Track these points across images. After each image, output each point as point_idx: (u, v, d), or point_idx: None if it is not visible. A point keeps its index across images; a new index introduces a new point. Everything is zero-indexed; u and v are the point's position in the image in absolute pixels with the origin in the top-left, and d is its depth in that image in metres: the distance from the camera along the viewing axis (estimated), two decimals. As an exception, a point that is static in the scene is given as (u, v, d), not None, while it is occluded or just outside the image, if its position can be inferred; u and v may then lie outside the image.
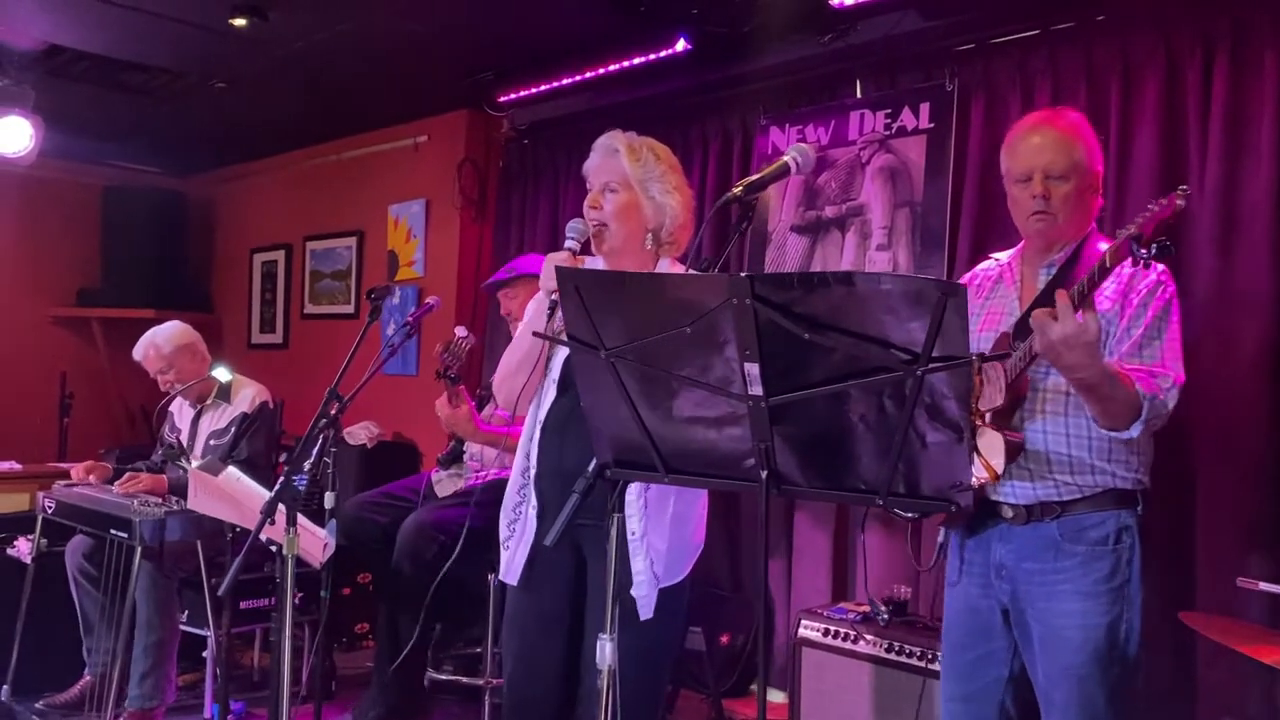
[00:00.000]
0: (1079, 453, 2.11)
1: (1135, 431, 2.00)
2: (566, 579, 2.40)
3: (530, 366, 2.36)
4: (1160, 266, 2.09)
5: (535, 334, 2.09)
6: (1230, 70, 3.12)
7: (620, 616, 2.23)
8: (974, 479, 1.99)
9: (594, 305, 1.51)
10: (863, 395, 1.41)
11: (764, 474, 1.50)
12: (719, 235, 3.92)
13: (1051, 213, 2.17)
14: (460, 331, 3.44)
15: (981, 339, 2.26)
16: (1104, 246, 2.20)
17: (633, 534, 2.26)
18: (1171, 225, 1.83)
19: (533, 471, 2.40)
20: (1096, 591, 2.10)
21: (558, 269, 1.58)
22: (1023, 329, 2.13)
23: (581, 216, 2.40)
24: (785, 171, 1.93)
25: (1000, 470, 2.00)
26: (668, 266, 2.42)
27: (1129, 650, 2.11)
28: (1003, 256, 2.40)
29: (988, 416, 2.05)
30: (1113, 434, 2.03)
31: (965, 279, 2.50)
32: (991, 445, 2.01)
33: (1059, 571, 2.12)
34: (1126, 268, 1.94)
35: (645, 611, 2.27)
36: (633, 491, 2.26)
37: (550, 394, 2.39)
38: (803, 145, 1.97)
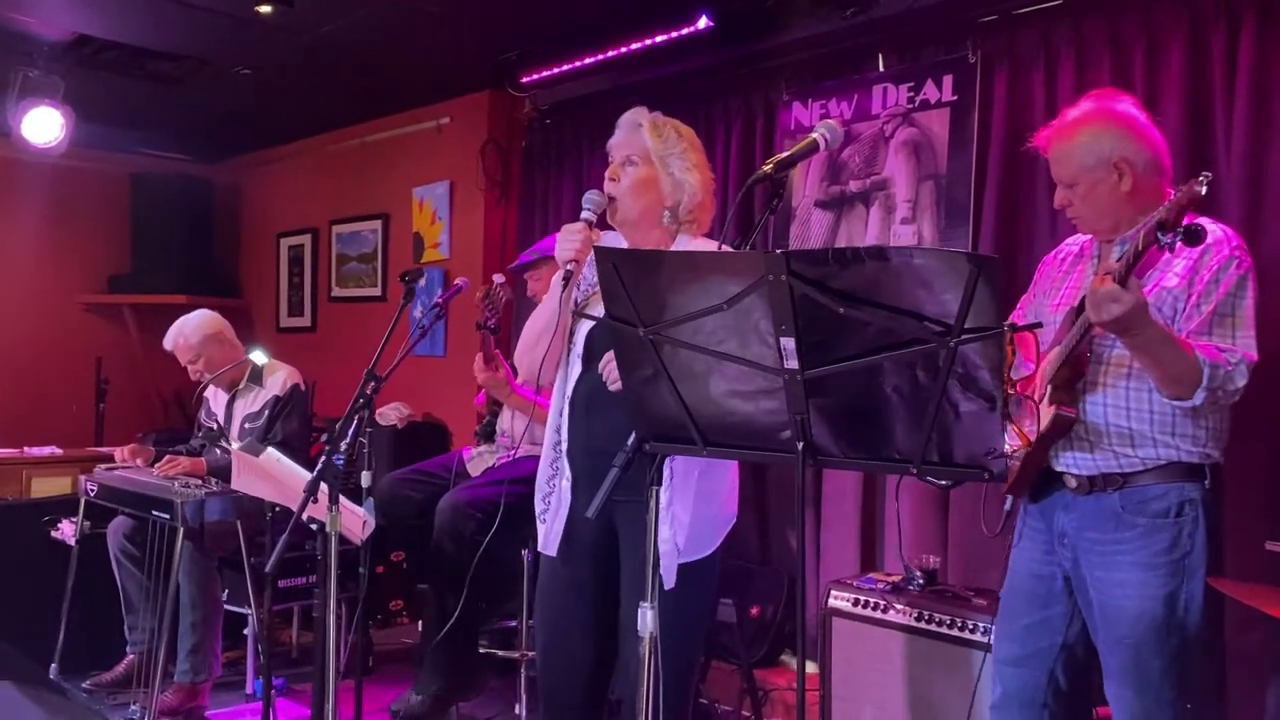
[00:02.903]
0: (1138, 425, 2.14)
1: (1199, 399, 2.01)
2: (599, 551, 2.45)
3: (549, 339, 2.40)
4: (1235, 242, 2.15)
5: (576, 313, 2.15)
6: (1256, 37, 3.10)
7: (643, 590, 2.32)
8: (1008, 446, 2.02)
9: (632, 283, 1.55)
10: (896, 367, 1.45)
11: (800, 445, 1.54)
12: (743, 214, 3.94)
13: (1076, 215, 2.30)
14: (498, 278, 3.51)
15: (1058, 314, 2.30)
16: None
17: (661, 505, 2.30)
18: (1192, 209, 1.85)
19: (564, 446, 2.45)
20: (1155, 564, 2.13)
21: (596, 249, 1.62)
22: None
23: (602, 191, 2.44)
24: (814, 148, 1.96)
25: (1033, 439, 2.04)
26: (687, 243, 2.44)
27: (1188, 622, 2.13)
28: (1084, 236, 2.44)
29: (1049, 390, 2.07)
30: (1177, 403, 2.06)
31: (1051, 255, 2.54)
32: (1026, 413, 2.05)
33: (1119, 542, 2.16)
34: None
35: (668, 581, 2.31)
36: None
37: (576, 369, 2.43)
38: (830, 121, 2.00)
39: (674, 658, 2.38)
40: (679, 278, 1.52)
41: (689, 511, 2.33)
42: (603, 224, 2.46)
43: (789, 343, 1.46)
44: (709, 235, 2.53)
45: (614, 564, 2.45)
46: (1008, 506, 2.36)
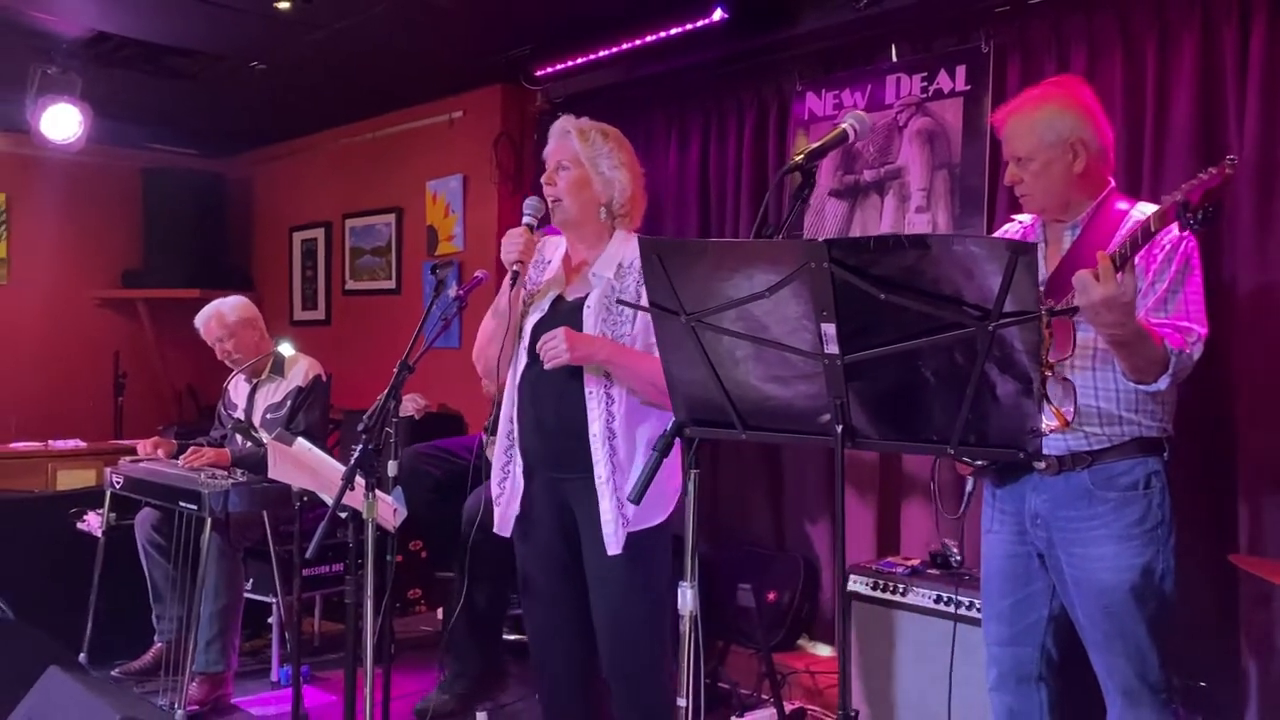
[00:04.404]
0: (1106, 405, 2.21)
1: (1163, 384, 2.11)
2: (559, 528, 2.61)
3: (501, 335, 2.58)
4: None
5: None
6: (1268, 27, 3.14)
7: (600, 561, 2.48)
8: (1045, 426, 2.08)
9: (675, 272, 1.60)
10: (934, 351, 1.50)
11: (839, 428, 1.60)
12: (753, 204, 3.98)
13: (1025, 192, 2.33)
14: None
15: None
16: (1124, 205, 2.29)
17: (599, 478, 2.47)
18: (1219, 193, 1.87)
19: (516, 433, 2.61)
20: (1129, 535, 2.21)
21: (640, 240, 1.68)
22: (1054, 287, 2.22)
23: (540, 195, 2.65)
24: (844, 138, 2.01)
25: (1070, 417, 2.10)
26: (622, 239, 2.61)
27: (1164, 587, 2.22)
28: (1025, 218, 2.49)
29: (1056, 368, 2.14)
30: (1140, 387, 2.14)
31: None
32: (1065, 394, 2.10)
33: (1094, 518, 2.23)
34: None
35: (613, 548, 2.48)
36: (597, 440, 2.47)
37: (523, 360, 2.59)
38: (859, 112, 2.05)
39: (635, 625, 2.54)
40: (722, 266, 1.57)
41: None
42: (544, 226, 2.67)
43: (829, 328, 1.52)
44: (640, 230, 2.69)
45: (576, 538, 2.60)
46: (969, 488, 2.43)
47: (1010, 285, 1.37)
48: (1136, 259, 2.11)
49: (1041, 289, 2.25)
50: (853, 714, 1.48)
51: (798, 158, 1.91)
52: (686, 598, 1.79)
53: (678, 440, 2.51)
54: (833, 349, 1.53)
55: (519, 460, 2.63)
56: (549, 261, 2.72)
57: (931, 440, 1.58)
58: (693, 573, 1.80)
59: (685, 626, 1.79)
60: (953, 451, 1.56)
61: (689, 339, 1.65)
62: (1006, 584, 2.41)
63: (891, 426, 1.61)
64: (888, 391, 1.57)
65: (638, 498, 1.84)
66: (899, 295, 1.44)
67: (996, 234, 2.60)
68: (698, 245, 1.69)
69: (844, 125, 2.01)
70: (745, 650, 4.02)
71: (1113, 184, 2.36)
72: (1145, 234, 1.96)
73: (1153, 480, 2.23)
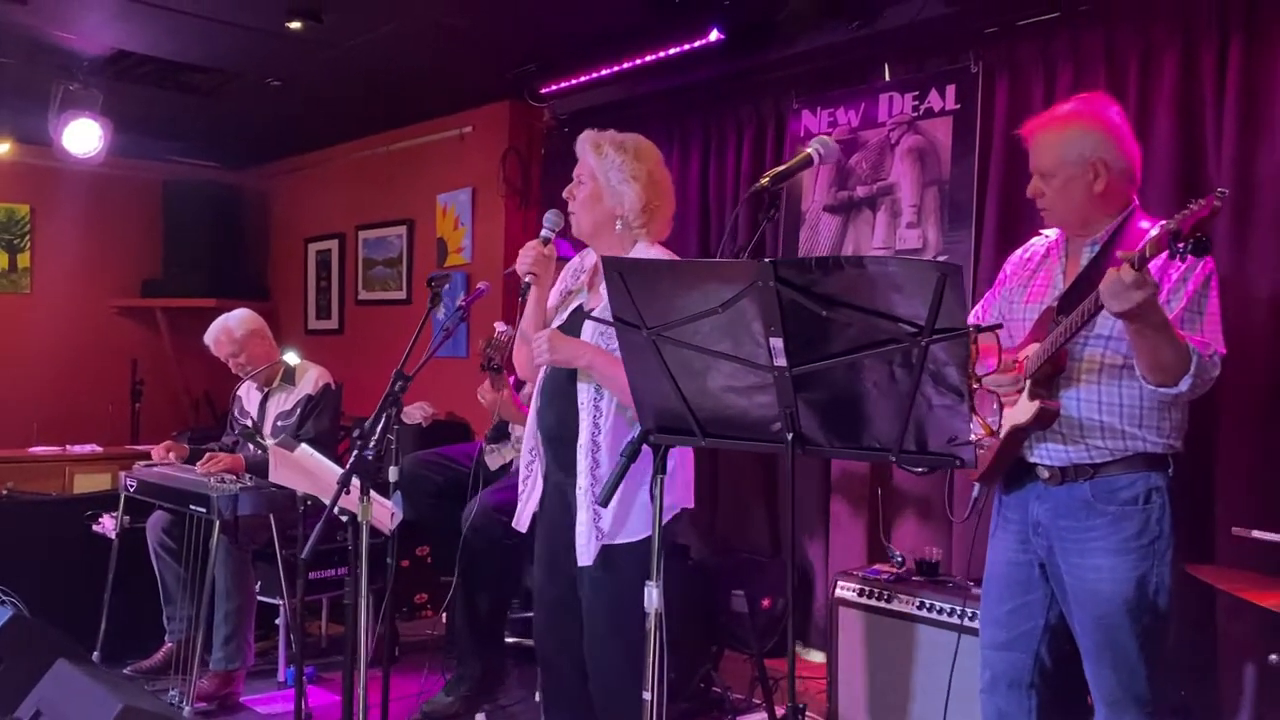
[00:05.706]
0: (1110, 419, 2.24)
1: (1185, 385, 2.10)
2: (566, 528, 2.66)
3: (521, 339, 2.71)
4: None
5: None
6: (1244, 47, 3.23)
7: (582, 570, 2.55)
8: (972, 435, 2.15)
9: (637, 289, 1.71)
10: (875, 364, 1.60)
11: (789, 436, 1.70)
12: (753, 222, 4.09)
13: (1046, 207, 2.37)
14: (500, 326, 3.71)
15: (1027, 309, 2.40)
16: (1146, 224, 2.31)
17: (579, 489, 2.56)
18: (1209, 224, 1.90)
19: (539, 435, 2.73)
20: (1126, 548, 2.23)
21: (604, 259, 1.79)
22: (1067, 304, 2.26)
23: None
24: (808, 163, 2.12)
25: (996, 429, 2.18)
26: (644, 250, 2.65)
27: (1159, 602, 2.24)
28: (1051, 234, 2.52)
29: (1025, 383, 2.20)
30: (1162, 390, 2.14)
31: (1017, 254, 2.61)
32: (988, 405, 2.18)
33: (1091, 529, 2.26)
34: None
35: (583, 559, 2.55)
36: (583, 451, 2.55)
37: (544, 367, 2.68)
38: (824, 137, 2.15)
39: (605, 637, 2.59)
40: (679, 284, 1.68)
41: (616, 498, 2.46)
42: (564, 238, 2.77)
43: (778, 342, 1.62)
44: (664, 243, 2.72)
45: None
46: (975, 494, 2.50)
47: (940, 305, 1.47)
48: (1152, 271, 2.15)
49: (1055, 305, 2.30)
50: (800, 706, 1.57)
51: (763, 180, 2.01)
52: (652, 596, 1.89)
53: (685, 458, 2.62)
54: (781, 361, 1.63)
55: (541, 461, 2.75)
56: (585, 271, 2.80)
57: (876, 448, 1.68)
58: (658, 573, 1.90)
59: (650, 624, 1.88)
60: (895, 459, 1.65)
61: (651, 352, 1.76)
62: (1006, 590, 2.45)
63: (839, 435, 1.71)
64: (834, 401, 1.67)
65: (605, 500, 1.93)
66: (840, 312, 1.54)
67: (1024, 248, 2.60)
68: (656, 264, 1.80)
69: (809, 150, 2.11)
70: (739, 655, 4.10)
71: (1136, 203, 2.38)
72: (1141, 260, 1.97)
73: (1153, 495, 2.24)
